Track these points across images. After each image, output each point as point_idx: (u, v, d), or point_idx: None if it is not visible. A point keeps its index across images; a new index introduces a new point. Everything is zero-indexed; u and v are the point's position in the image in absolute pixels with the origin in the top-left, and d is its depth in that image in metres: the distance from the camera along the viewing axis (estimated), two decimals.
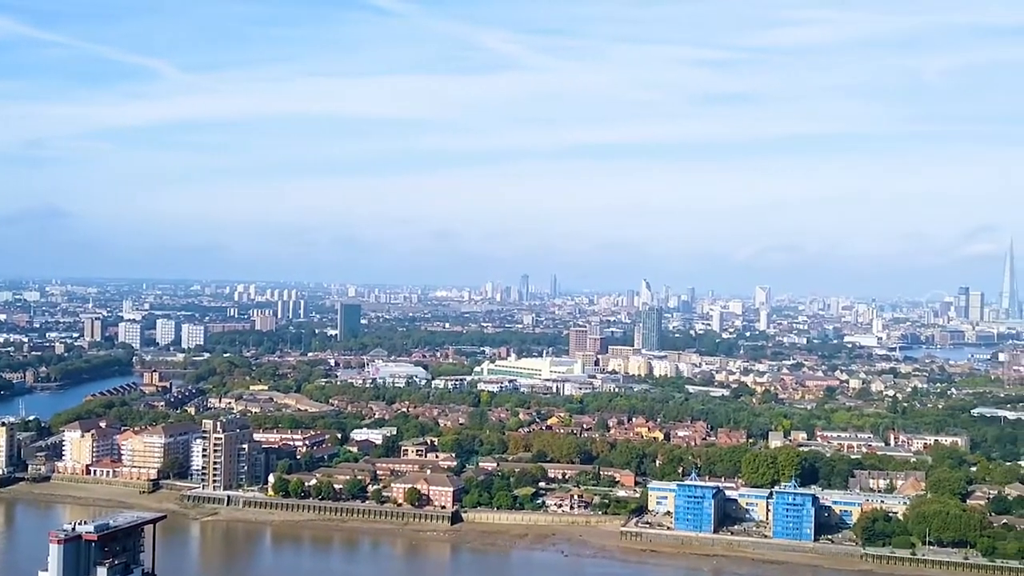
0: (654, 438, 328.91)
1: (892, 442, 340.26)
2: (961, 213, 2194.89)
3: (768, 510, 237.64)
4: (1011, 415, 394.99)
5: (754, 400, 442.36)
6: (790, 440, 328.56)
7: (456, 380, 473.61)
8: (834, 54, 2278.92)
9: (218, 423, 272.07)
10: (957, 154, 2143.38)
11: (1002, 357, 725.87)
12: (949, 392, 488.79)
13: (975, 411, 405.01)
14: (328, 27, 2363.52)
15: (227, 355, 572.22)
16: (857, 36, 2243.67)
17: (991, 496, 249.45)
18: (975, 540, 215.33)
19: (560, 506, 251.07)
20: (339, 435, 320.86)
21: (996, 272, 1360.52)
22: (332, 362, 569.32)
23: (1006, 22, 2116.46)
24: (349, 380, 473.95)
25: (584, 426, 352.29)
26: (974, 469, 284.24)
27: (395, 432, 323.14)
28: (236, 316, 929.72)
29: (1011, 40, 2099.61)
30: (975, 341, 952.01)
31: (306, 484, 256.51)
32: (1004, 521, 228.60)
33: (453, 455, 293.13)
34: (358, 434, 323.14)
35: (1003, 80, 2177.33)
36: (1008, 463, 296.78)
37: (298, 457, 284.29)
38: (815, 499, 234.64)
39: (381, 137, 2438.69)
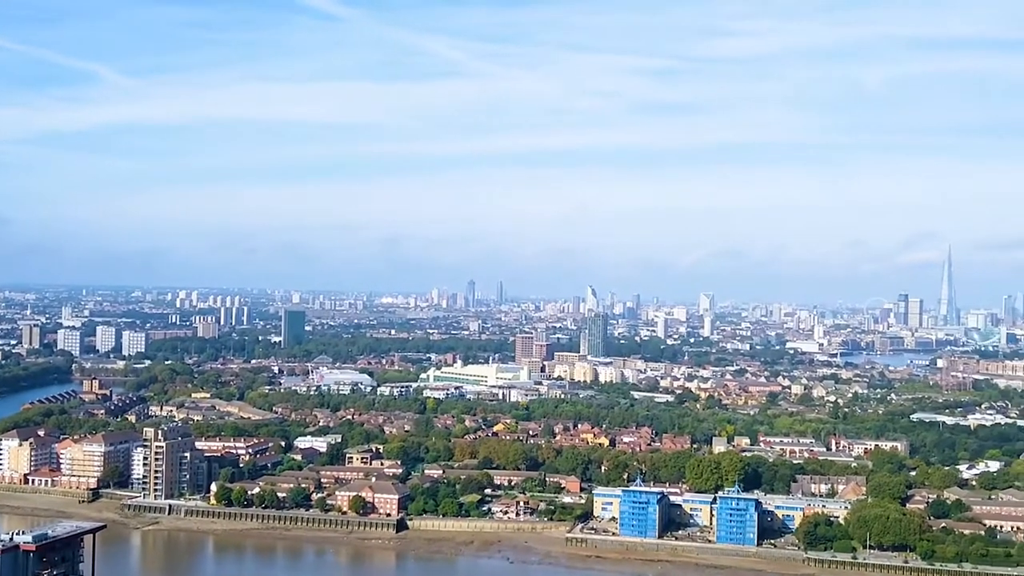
0: (600, 444, 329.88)
1: (833, 447, 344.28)
2: (900, 221, 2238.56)
3: (712, 515, 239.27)
4: (949, 420, 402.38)
5: (698, 406, 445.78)
6: (733, 445, 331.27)
7: (402, 387, 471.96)
8: (775, 64, 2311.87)
9: (159, 431, 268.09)
10: (897, 163, 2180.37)
11: (940, 363, 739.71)
12: (889, 398, 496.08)
13: (914, 416, 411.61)
14: (271, 32, 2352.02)
15: (169, 362, 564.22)
16: (797, 47, 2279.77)
17: (930, 500, 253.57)
18: (915, 544, 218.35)
19: (506, 513, 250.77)
20: (283, 443, 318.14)
21: (935, 279, 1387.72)
22: (276, 369, 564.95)
23: (943, 35, 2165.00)
24: (293, 387, 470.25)
25: (530, 432, 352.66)
26: (913, 474, 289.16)
27: (340, 440, 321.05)
28: (178, 323, 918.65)
29: (948, 52, 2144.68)
30: (914, 347, 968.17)
31: (249, 492, 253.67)
32: (943, 525, 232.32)
33: (399, 462, 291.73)
34: (302, 442, 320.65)
35: (941, 91, 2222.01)
36: (946, 467, 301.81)
37: (241, 465, 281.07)
38: (758, 504, 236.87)
39: (325, 143, 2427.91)
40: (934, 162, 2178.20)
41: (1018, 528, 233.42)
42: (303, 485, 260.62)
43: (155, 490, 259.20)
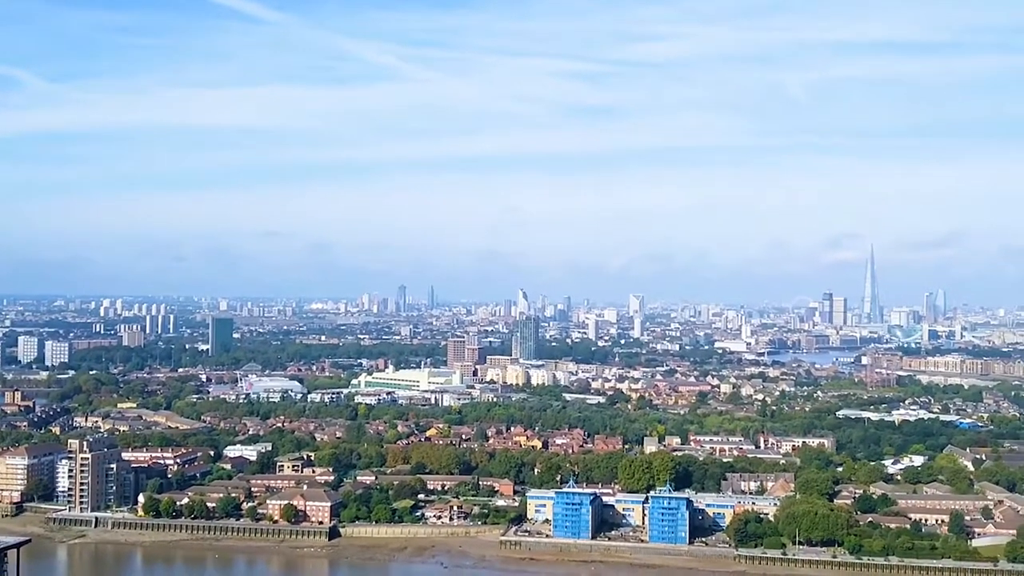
0: (532, 447, 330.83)
1: (762, 445, 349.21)
2: (824, 222, 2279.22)
3: (644, 515, 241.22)
4: (874, 416, 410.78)
5: (629, 406, 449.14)
6: (664, 445, 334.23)
7: (333, 393, 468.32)
8: (698, 68, 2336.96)
9: (84, 443, 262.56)
10: (819, 165, 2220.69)
11: (865, 360, 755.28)
12: (815, 395, 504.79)
13: (840, 413, 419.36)
14: (198, 37, 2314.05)
15: (93, 372, 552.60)
16: (719, 51, 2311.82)
17: (857, 495, 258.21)
18: (843, 539, 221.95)
19: (439, 518, 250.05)
20: (212, 452, 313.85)
21: (858, 278, 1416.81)
22: (204, 378, 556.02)
23: (863, 39, 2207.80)
24: (221, 396, 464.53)
25: (463, 436, 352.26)
26: (840, 469, 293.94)
27: (270, 448, 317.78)
28: (102, 332, 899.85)
29: (868, 56, 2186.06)
30: (839, 345, 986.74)
31: (178, 503, 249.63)
32: (869, 519, 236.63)
33: (330, 469, 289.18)
34: (232, 451, 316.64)
35: (861, 94, 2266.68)
36: (872, 463, 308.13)
37: (169, 476, 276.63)
38: (689, 503, 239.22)
39: (253, 148, 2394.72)
40: (856, 163, 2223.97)
41: (942, 521, 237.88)
42: (233, 494, 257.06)
43: (81, 503, 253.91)
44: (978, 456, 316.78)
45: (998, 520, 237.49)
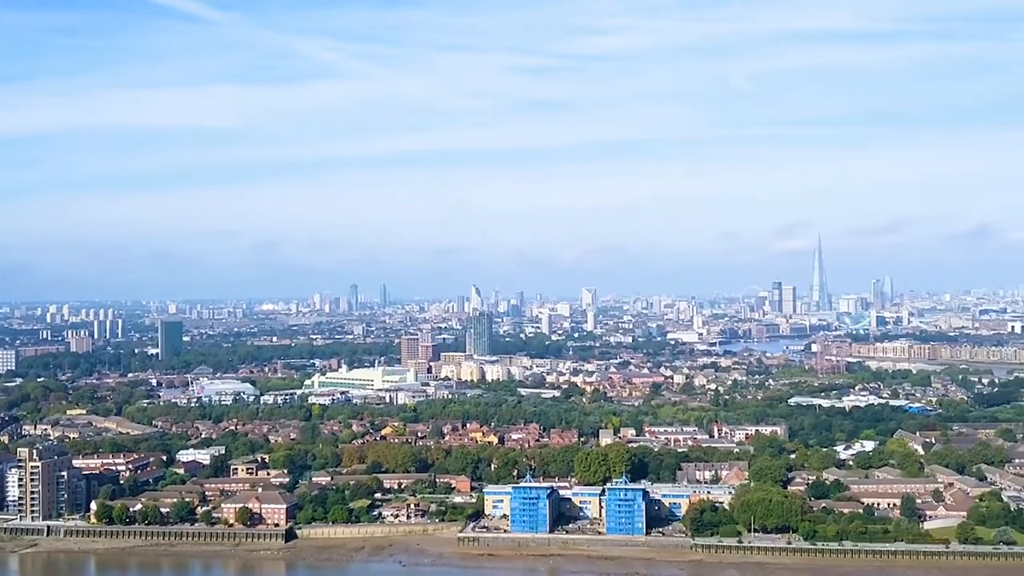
0: (489, 443, 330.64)
1: (716, 434, 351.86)
2: (772, 211, 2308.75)
3: (601, 507, 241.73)
4: (825, 403, 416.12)
5: (584, 400, 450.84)
6: (620, 437, 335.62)
7: (286, 395, 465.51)
8: (645, 61, 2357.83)
9: (34, 451, 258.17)
10: (767, 155, 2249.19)
11: (815, 348, 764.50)
12: (767, 383, 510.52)
13: (792, 401, 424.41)
14: (140, 37, 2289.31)
15: (41, 379, 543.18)
16: (666, 44, 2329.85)
17: (810, 482, 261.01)
18: (797, 525, 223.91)
19: (397, 516, 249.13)
20: (164, 457, 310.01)
21: (806, 267, 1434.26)
22: (154, 382, 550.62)
23: (805, 29, 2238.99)
24: (173, 400, 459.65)
25: (419, 434, 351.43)
26: (793, 456, 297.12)
27: (223, 451, 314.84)
28: (49, 339, 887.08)
29: (811, 46, 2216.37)
30: (789, 333, 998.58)
31: (131, 509, 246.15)
32: (823, 505, 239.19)
33: (285, 471, 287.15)
34: (184, 455, 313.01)
35: (805, 84, 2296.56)
36: (824, 449, 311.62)
37: (121, 482, 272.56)
38: (645, 493, 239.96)
39: (198, 149, 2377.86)
40: (802, 153, 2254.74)
41: (894, 505, 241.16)
42: (187, 499, 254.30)
43: (32, 511, 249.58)
44: (928, 440, 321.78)
45: (948, 503, 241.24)
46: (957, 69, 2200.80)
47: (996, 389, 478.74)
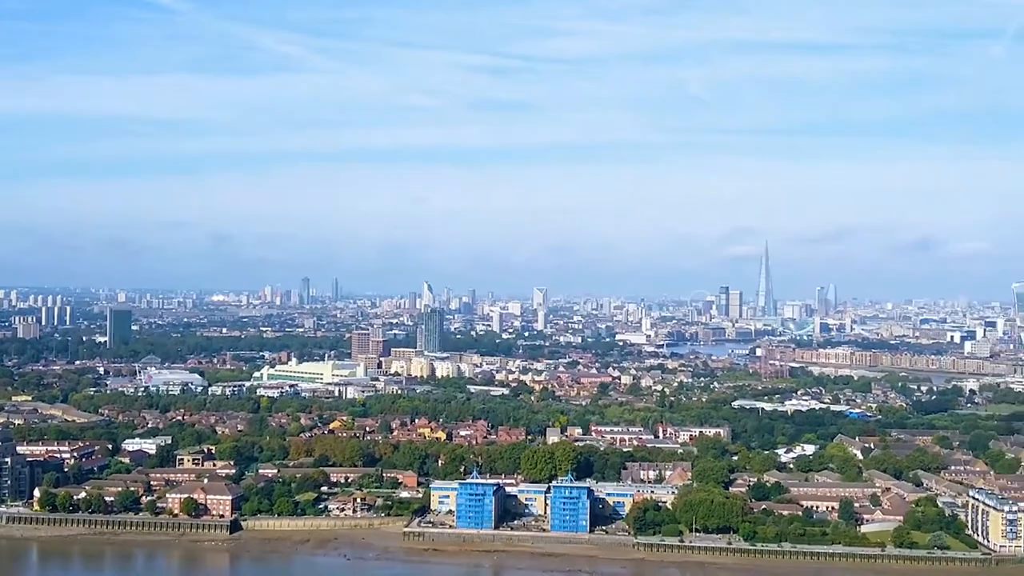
0: (437, 438, 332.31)
1: (661, 435, 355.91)
2: (722, 217, 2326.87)
3: (546, 504, 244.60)
4: (768, 407, 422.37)
5: (533, 398, 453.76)
6: (566, 436, 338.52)
7: (234, 386, 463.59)
8: (602, 65, 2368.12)
9: None
10: (718, 162, 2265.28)
11: (759, 352, 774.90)
12: (712, 386, 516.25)
13: (735, 403, 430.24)
14: (97, 24, 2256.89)
15: None
16: (624, 49, 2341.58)
17: (751, 483, 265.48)
18: (738, 526, 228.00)
19: (343, 510, 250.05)
20: (110, 446, 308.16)
21: (753, 272, 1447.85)
22: (101, 370, 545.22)
23: (761, 39, 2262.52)
24: (120, 388, 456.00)
25: (367, 429, 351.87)
26: (735, 458, 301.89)
27: (170, 441, 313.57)
28: None
29: (765, 56, 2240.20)
30: (735, 337, 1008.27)
31: (75, 497, 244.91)
32: (763, 507, 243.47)
33: (232, 463, 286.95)
34: (130, 444, 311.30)
35: (758, 93, 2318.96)
36: (766, 452, 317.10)
37: (66, 470, 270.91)
38: (590, 492, 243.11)
39: (153, 138, 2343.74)
40: (752, 160, 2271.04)
41: (832, 508, 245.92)
42: (132, 488, 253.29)
43: None
44: (866, 445, 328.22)
45: (885, 507, 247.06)
46: (905, 82, 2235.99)
47: (934, 397, 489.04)
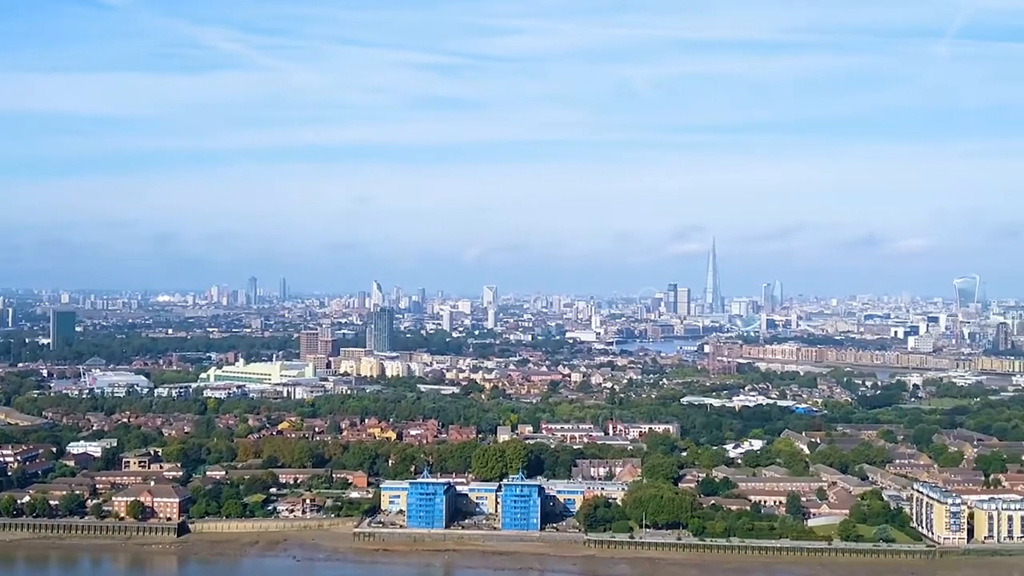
0: (387, 438, 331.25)
1: (611, 431, 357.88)
2: (669, 214, 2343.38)
3: (497, 502, 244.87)
4: (716, 403, 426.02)
5: (483, 396, 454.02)
6: (517, 434, 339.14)
7: (181, 388, 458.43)
8: (548, 63, 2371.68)
9: None
10: (665, 159, 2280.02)
11: (707, 348, 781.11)
12: (661, 383, 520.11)
13: (684, 400, 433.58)
14: (36, 19, 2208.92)
15: None
16: (569, 47, 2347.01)
17: (700, 479, 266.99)
18: (687, 521, 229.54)
19: (292, 511, 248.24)
20: (54, 449, 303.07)
21: (701, 269, 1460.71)
22: (45, 372, 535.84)
23: (706, 37, 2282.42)
24: (64, 391, 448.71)
25: (316, 429, 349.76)
26: (684, 454, 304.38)
27: (115, 444, 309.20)
28: None
29: (711, 54, 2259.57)
30: (683, 334, 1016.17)
31: (19, 502, 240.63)
32: (712, 502, 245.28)
33: (179, 465, 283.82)
34: (75, 447, 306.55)
35: (704, 91, 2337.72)
36: (714, 447, 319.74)
37: (9, 473, 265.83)
38: (541, 489, 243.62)
39: (95, 136, 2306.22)
40: (699, 158, 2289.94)
41: (780, 503, 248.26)
42: (77, 492, 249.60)
43: None
44: (813, 440, 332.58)
45: (832, 501, 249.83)
46: (850, 81, 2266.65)
47: (879, 392, 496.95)
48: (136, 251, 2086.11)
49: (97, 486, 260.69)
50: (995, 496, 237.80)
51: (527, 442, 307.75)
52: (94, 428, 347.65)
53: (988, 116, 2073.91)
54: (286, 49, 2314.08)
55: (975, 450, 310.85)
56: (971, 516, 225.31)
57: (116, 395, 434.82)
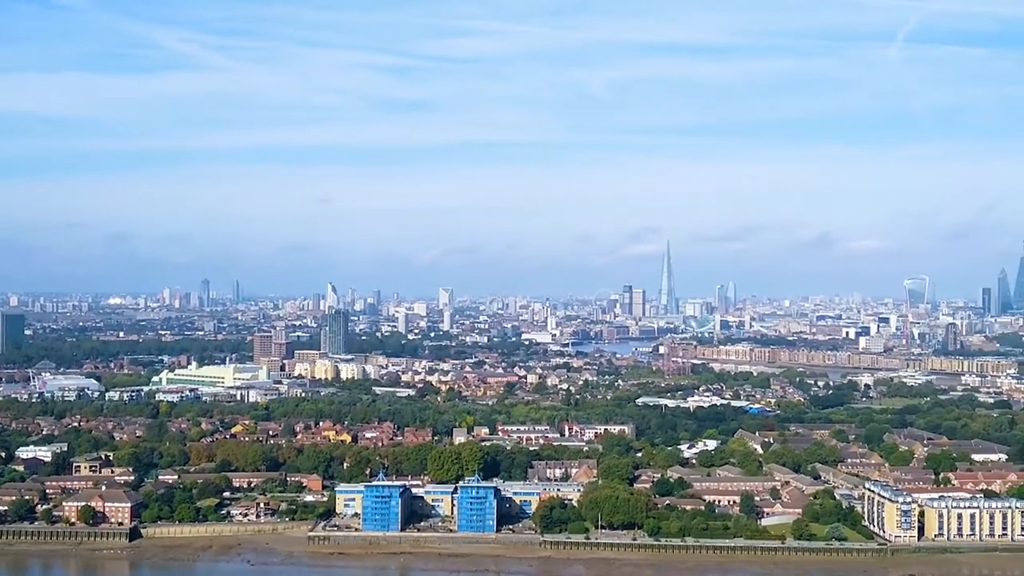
0: (342, 441, 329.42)
1: (566, 433, 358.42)
2: (625, 217, 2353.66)
3: (453, 505, 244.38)
4: (671, 403, 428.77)
5: (439, 399, 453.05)
6: (473, 436, 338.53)
7: (132, 391, 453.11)
8: (505, 65, 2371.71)
9: None
10: (621, 162, 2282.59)
11: (662, 350, 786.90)
12: (616, 384, 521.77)
13: (639, 400, 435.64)
14: None
15: None
16: (526, 49, 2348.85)
17: (655, 479, 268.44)
18: (642, 521, 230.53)
19: (246, 515, 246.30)
20: (3, 454, 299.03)
21: (656, 271, 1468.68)
22: None
23: (662, 41, 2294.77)
24: (12, 395, 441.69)
25: (270, 432, 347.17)
26: (640, 455, 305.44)
27: (66, 448, 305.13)
28: None
29: (667, 58, 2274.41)
30: (638, 335, 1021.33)
31: None
32: (667, 502, 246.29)
33: (130, 469, 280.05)
34: (24, 452, 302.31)
35: (660, 94, 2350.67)
36: (669, 448, 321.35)
37: None
38: (497, 491, 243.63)
39: (46, 137, 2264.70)
40: (654, 160, 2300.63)
41: (734, 502, 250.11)
42: (26, 497, 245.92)
43: None
44: (766, 439, 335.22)
45: (785, 500, 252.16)
46: (802, 84, 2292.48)
47: (831, 392, 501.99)
48: (87, 253, 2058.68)
49: (47, 491, 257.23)
50: (945, 494, 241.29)
51: (483, 444, 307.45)
52: (44, 432, 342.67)
53: (938, 119, 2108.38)
54: (243, 50, 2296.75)
55: (925, 449, 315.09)
56: (921, 514, 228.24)
57: (66, 399, 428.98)
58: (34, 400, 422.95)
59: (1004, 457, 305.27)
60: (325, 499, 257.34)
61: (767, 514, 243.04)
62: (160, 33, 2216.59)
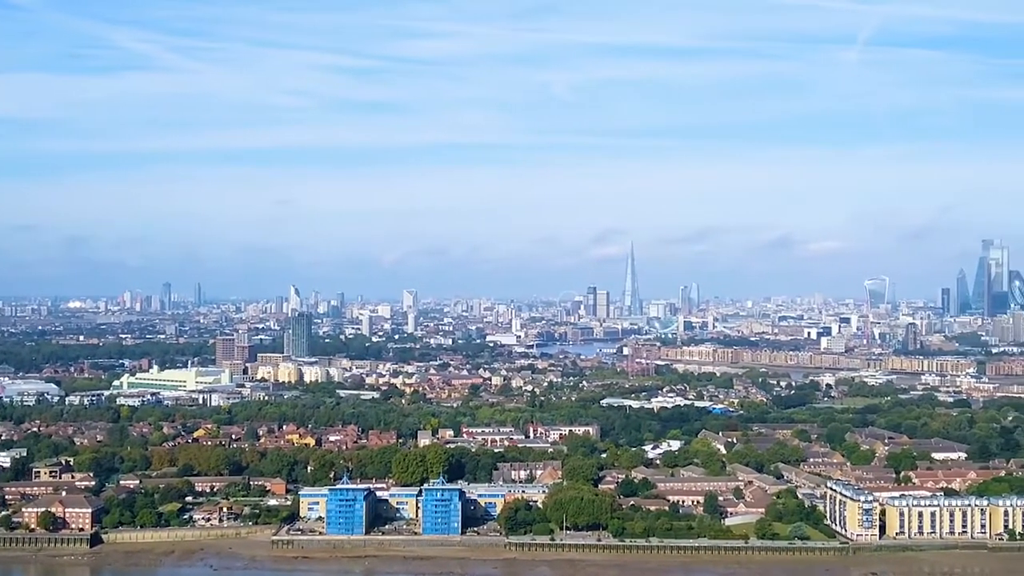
0: (306, 444, 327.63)
1: (531, 434, 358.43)
2: (590, 218, 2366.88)
3: (418, 507, 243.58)
4: (635, 404, 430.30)
5: (403, 401, 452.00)
6: (438, 438, 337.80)
7: (93, 395, 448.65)
8: (468, 67, 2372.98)
9: None
10: (585, 164, 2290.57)
11: (626, 351, 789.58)
12: (581, 385, 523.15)
13: (604, 402, 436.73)
14: None
15: None
16: (488, 51, 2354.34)
17: (620, 480, 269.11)
18: (607, 522, 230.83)
19: (208, 520, 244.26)
20: None
21: (620, 273, 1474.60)
22: None
23: (626, 43, 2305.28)
24: None
25: (233, 436, 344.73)
26: (604, 456, 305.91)
27: (25, 453, 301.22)
28: None
29: (630, 60, 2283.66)
30: (603, 337, 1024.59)
31: None
32: (632, 503, 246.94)
33: (91, 474, 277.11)
34: None
35: (623, 96, 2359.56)
36: (633, 448, 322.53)
37: None
38: (462, 493, 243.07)
39: (0, 138, 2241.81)
40: (618, 162, 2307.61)
41: (698, 502, 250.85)
42: None
43: None
44: (729, 440, 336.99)
45: (748, 499, 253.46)
46: (764, 86, 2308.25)
47: (793, 391, 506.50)
48: (46, 256, 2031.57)
49: (6, 497, 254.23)
50: (906, 493, 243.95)
51: (448, 446, 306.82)
52: (3, 438, 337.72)
53: (897, 121, 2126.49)
54: (201, 51, 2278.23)
55: (886, 448, 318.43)
56: (883, 513, 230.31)
57: (25, 404, 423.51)
58: None
59: (964, 455, 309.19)
60: (289, 503, 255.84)
61: (731, 514, 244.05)
62: (117, 33, 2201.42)
